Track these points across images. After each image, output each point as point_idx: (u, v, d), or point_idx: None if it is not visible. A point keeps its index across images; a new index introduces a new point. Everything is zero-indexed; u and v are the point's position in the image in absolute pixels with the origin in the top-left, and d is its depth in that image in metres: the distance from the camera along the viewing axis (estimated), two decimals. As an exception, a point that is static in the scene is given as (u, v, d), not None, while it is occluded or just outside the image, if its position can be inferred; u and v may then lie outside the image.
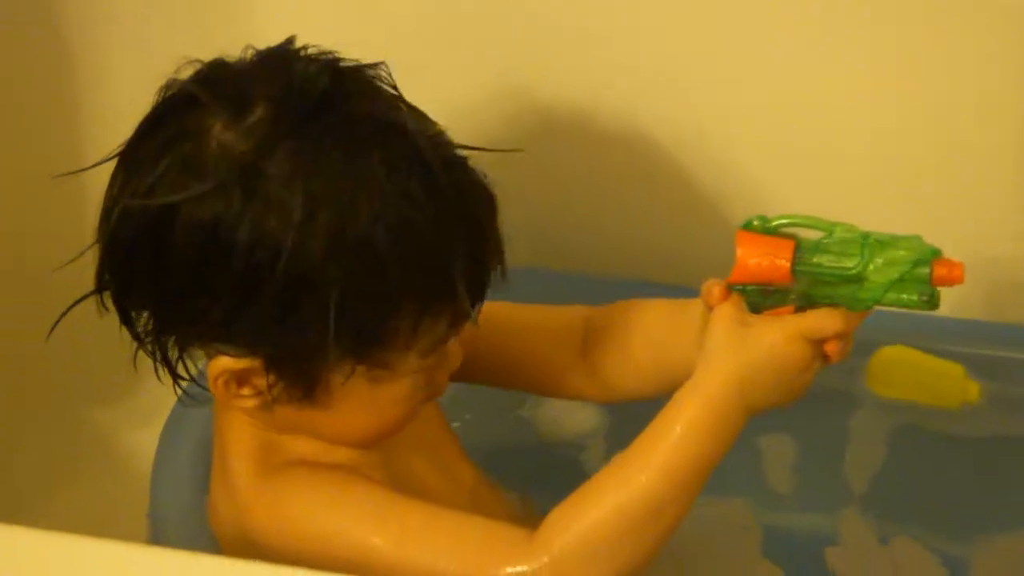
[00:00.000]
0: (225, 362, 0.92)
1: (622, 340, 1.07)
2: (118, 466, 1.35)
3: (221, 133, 0.88)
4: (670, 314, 1.06)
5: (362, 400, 0.94)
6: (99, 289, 0.92)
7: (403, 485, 0.98)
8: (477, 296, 0.93)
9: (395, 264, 0.88)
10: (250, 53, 0.93)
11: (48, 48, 1.29)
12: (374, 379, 0.93)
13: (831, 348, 0.94)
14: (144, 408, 1.16)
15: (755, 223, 0.95)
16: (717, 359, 0.94)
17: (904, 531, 1.25)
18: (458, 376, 1.01)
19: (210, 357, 0.93)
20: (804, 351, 0.93)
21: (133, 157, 0.91)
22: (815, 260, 0.94)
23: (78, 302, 0.92)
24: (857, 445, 1.27)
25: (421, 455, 1.04)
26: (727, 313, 0.94)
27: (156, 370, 0.94)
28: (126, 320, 0.93)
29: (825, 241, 0.94)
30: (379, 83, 0.93)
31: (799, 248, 0.94)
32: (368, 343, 0.91)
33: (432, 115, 0.93)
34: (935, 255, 0.93)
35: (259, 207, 0.87)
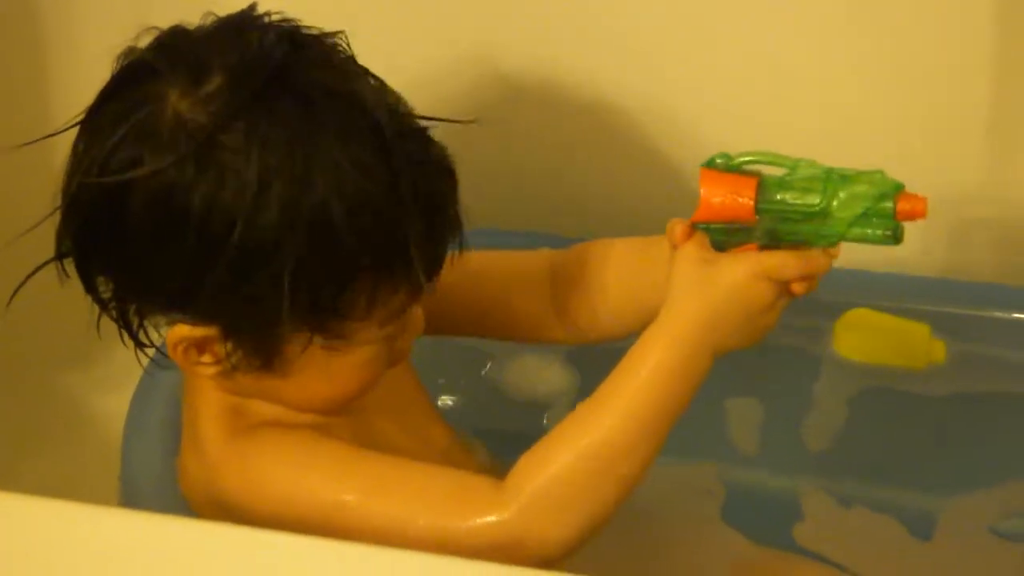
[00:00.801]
0: (183, 330, 0.93)
1: (590, 280, 1.07)
2: (88, 431, 1.35)
3: (177, 102, 0.88)
4: (637, 250, 1.06)
5: (321, 369, 0.95)
6: (59, 256, 0.92)
7: (371, 446, 0.98)
8: (433, 268, 0.93)
9: (349, 236, 0.88)
10: (210, 20, 0.92)
11: (16, 14, 1.28)
12: (332, 348, 0.93)
13: (796, 287, 0.94)
14: (115, 373, 1.16)
15: (718, 161, 0.95)
16: (681, 299, 0.94)
17: (869, 492, 1.27)
18: (427, 330, 1.00)
19: (170, 325, 0.93)
20: (767, 290, 0.93)
21: (92, 124, 0.91)
22: (778, 197, 0.93)
23: (38, 269, 0.92)
24: (823, 407, 1.28)
25: (391, 417, 1.05)
26: (690, 252, 0.95)
27: (121, 336, 0.94)
28: (89, 287, 0.93)
29: (788, 178, 0.94)
30: (338, 52, 0.93)
31: (762, 185, 0.94)
32: (324, 314, 0.91)
33: (395, 83, 0.93)
34: (898, 189, 0.93)
35: (214, 178, 0.87)
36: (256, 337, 0.92)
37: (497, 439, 1.14)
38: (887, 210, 0.92)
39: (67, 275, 0.92)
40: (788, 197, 0.93)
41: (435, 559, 0.84)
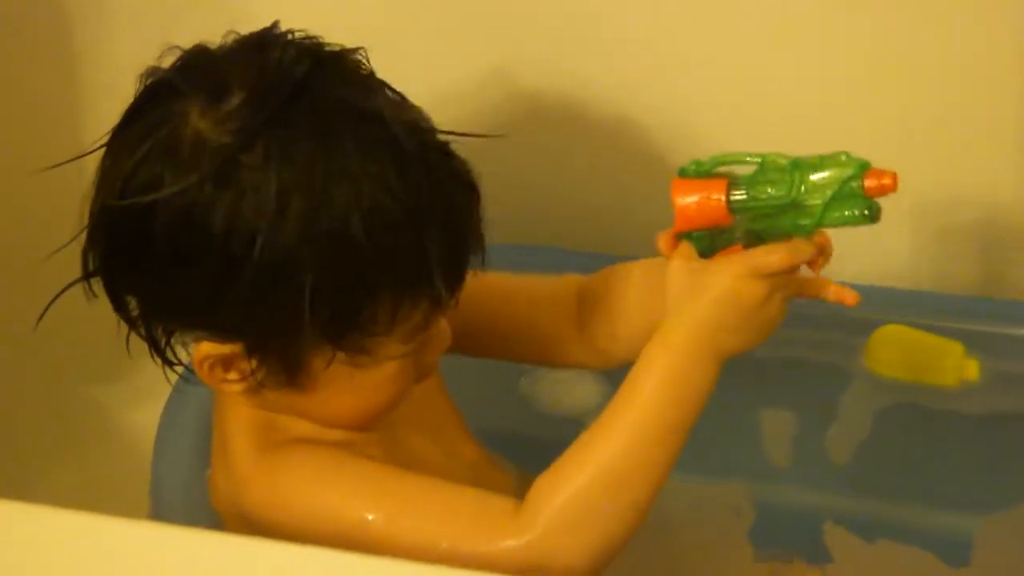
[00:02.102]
0: (207, 347, 0.93)
1: (613, 304, 1.08)
2: (119, 443, 1.36)
3: (198, 121, 0.89)
4: (655, 272, 1.04)
5: (347, 384, 0.95)
6: (86, 276, 0.93)
7: (401, 462, 0.98)
8: (455, 283, 0.93)
9: (369, 251, 0.88)
10: (232, 38, 0.93)
11: (50, 36, 1.29)
12: (356, 364, 0.94)
13: (811, 265, 0.95)
14: (145, 386, 1.16)
15: (691, 168, 0.95)
16: (676, 309, 0.94)
17: (903, 510, 1.26)
18: (452, 348, 1.01)
19: (196, 342, 0.94)
20: (756, 287, 0.93)
21: (116, 144, 0.92)
22: (750, 194, 0.94)
23: (66, 288, 0.93)
24: (855, 424, 1.27)
25: (421, 432, 1.05)
26: (678, 263, 0.95)
27: (150, 351, 0.95)
28: (117, 305, 0.94)
29: (757, 174, 0.94)
30: (359, 68, 0.93)
31: (732, 185, 0.94)
32: (345, 329, 0.91)
33: (419, 100, 0.93)
34: (864, 168, 0.93)
35: (233, 196, 0.87)
36: (280, 353, 0.93)
37: (529, 453, 1.14)
38: (856, 189, 0.92)
39: (95, 295, 0.93)
40: (758, 193, 0.94)
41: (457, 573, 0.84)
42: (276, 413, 0.98)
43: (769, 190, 0.93)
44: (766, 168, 0.94)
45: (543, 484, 0.93)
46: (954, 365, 1.16)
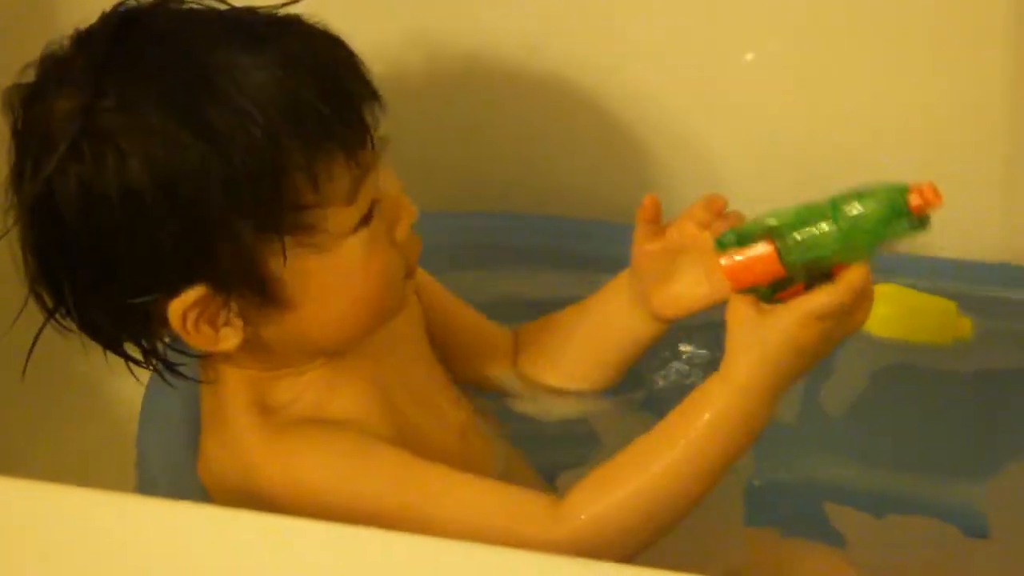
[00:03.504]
0: (177, 304, 0.92)
1: (552, 355, 1.12)
2: (103, 416, 1.36)
3: (54, 103, 0.89)
4: (595, 310, 1.11)
5: (325, 280, 0.93)
6: (49, 312, 0.93)
7: (408, 439, 0.98)
8: (353, 126, 0.92)
9: (258, 126, 0.88)
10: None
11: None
12: (317, 248, 0.92)
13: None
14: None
15: (729, 238, 0.94)
16: (740, 353, 0.94)
17: (907, 475, 1.26)
18: None
19: (168, 314, 0.92)
20: (818, 329, 0.93)
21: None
22: (798, 239, 0.92)
23: (41, 331, 0.94)
24: (850, 386, 1.27)
25: (415, 402, 1.04)
26: (741, 310, 0.94)
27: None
28: (83, 323, 0.93)
29: (797, 221, 0.93)
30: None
31: (778, 238, 0.93)
32: (273, 211, 0.90)
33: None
34: (905, 192, 0.92)
35: (110, 147, 0.88)
36: (237, 271, 0.91)
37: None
38: (904, 214, 0.92)
39: (68, 329, 0.94)
40: (805, 237, 0.92)
41: (447, 544, 0.83)
42: (277, 367, 0.97)
43: (816, 230, 0.92)
44: (805, 213, 0.93)
45: (587, 487, 0.94)
46: (948, 323, 1.16)
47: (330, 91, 0.91)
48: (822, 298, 0.92)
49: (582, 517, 0.93)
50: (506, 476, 1.05)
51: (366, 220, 0.94)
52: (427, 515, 0.93)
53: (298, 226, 0.91)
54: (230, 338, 0.94)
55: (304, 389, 0.99)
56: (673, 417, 0.95)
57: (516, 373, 1.13)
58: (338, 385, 0.99)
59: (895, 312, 1.15)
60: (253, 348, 0.95)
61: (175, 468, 1.05)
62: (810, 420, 1.27)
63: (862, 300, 0.94)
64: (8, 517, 0.83)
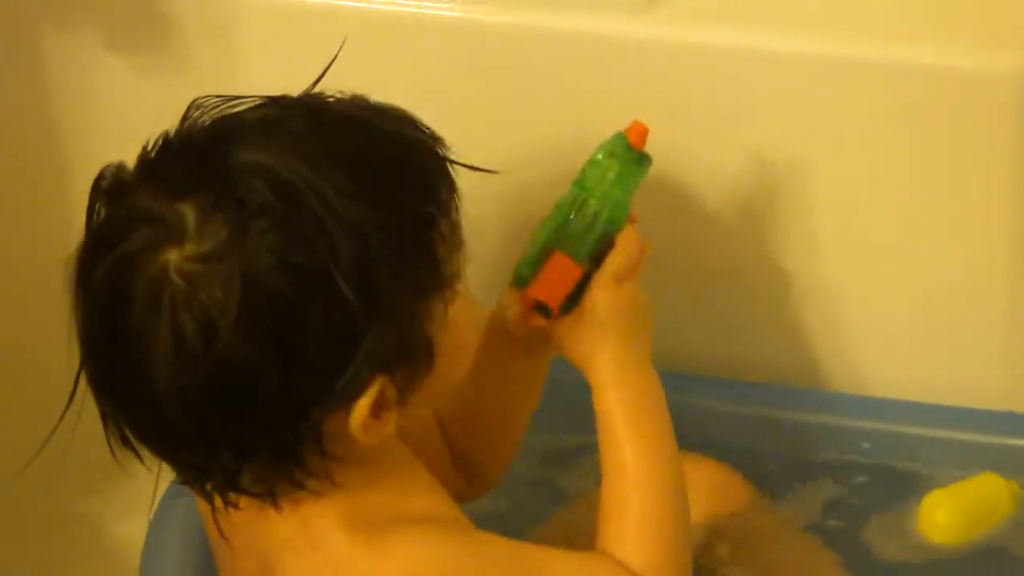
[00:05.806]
0: (362, 404, 0.87)
1: (476, 423, 1.11)
2: (107, 557, 1.35)
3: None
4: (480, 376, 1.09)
5: (447, 331, 0.92)
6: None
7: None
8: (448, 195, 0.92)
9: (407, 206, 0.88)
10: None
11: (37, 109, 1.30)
12: (452, 298, 0.91)
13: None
14: (133, 500, 1.16)
15: (523, 271, 1.00)
16: (588, 360, 0.99)
17: None
18: None
19: (352, 416, 0.88)
20: (625, 290, 1.00)
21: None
22: (571, 232, 1.00)
23: (57, 425, 0.91)
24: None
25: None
26: (562, 331, 1.00)
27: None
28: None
29: (562, 218, 1.00)
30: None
31: (559, 245, 0.99)
32: (438, 269, 0.90)
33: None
34: (622, 138, 1.01)
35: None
36: (409, 347, 0.88)
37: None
38: (625, 152, 1.01)
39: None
40: (578, 226, 1.00)
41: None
42: (367, 470, 0.92)
43: (571, 213, 1.00)
44: (563, 206, 1.00)
45: (625, 540, 0.96)
46: (1002, 497, 1.17)
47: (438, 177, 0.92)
48: (611, 265, 1.00)
49: (650, 571, 0.96)
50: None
51: None
52: None
53: (442, 281, 0.90)
54: (391, 421, 0.89)
55: (379, 486, 0.94)
56: (610, 452, 0.99)
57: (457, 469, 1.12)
58: (406, 476, 0.97)
59: (955, 519, 1.17)
60: (347, 466, 0.90)
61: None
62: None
63: (642, 250, 1.00)
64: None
